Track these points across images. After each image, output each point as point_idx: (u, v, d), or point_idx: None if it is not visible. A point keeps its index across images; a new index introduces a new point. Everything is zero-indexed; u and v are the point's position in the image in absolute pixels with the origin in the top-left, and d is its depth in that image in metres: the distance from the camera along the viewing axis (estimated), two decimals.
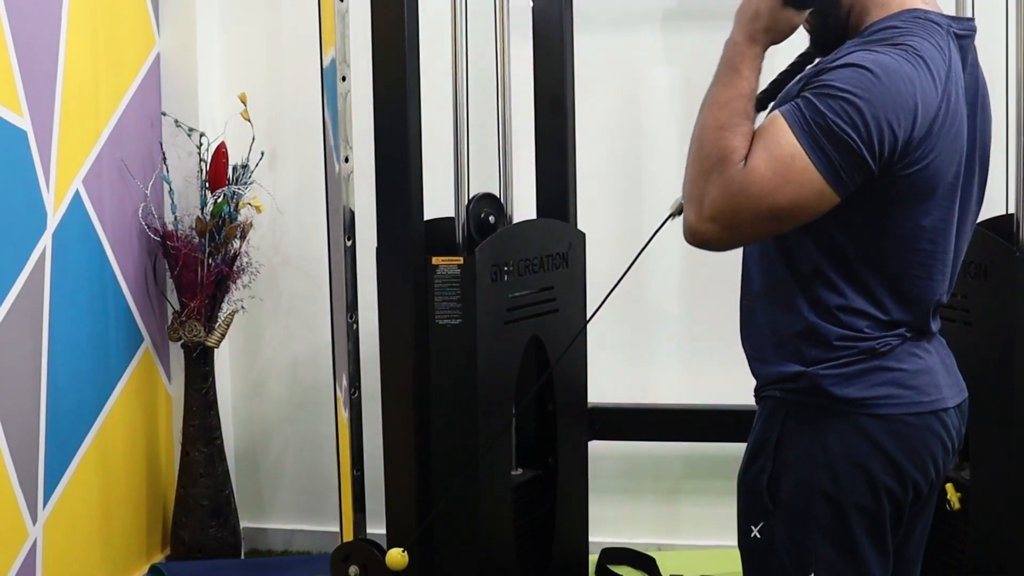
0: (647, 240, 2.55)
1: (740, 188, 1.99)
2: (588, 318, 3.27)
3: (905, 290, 2.11)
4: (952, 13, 3.39)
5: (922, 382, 2.12)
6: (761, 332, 2.21)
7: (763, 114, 2.12)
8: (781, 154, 1.97)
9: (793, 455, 2.12)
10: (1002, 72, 3.38)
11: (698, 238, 2.04)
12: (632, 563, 4.26)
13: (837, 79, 1.97)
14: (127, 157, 4.28)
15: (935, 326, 2.20)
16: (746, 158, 2.00)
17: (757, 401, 2.23)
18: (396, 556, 3.17)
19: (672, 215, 2.39)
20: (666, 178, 4.38)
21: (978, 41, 3.51)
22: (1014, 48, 3.32)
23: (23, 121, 3.65)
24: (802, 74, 2.10)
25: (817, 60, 2.25)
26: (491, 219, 3.57)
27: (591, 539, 4.01)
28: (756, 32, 2.10)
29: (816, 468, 2.09)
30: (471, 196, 3.49)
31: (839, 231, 2.05)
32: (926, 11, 2.11)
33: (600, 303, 2.82)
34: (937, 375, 2.16)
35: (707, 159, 2.04)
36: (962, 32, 2.14)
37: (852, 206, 2.01)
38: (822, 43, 2.23)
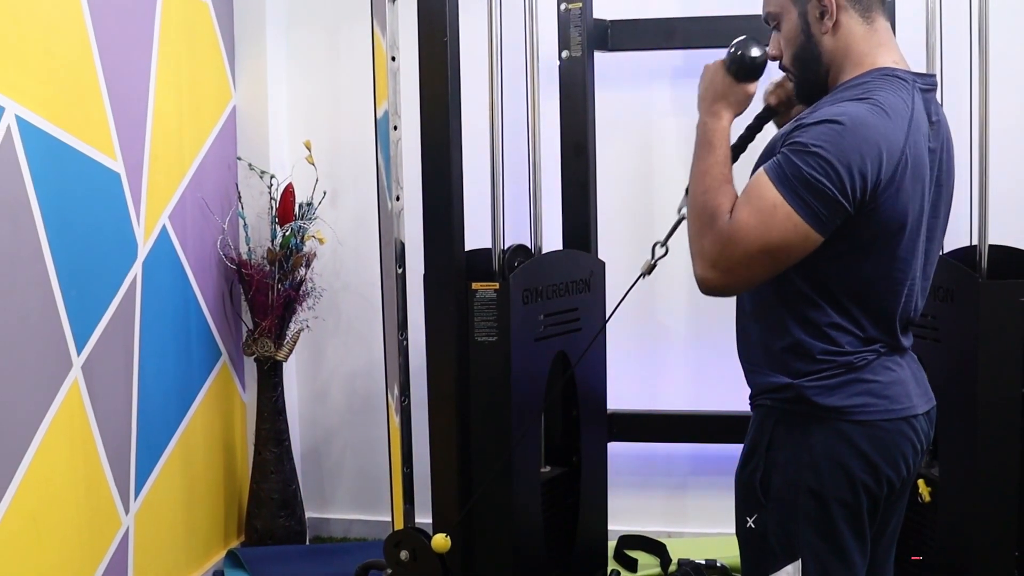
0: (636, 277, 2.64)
1: (729, 238, 2.04)
2: (601, 327, 3.27)
3: (879, 312, 2.13)
4: (924, 62, 3.45)
5: (895, 392, 2.14)
6: (754, 347, 2.23)
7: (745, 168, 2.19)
8: (764, 205, 2.02)
9: (782, 456, 2.14)
10: (966, 119, 3.39)
11: (706, 286, 2.10)
12: (645, 548, 4.25)
13: (810, 136, 2.01)
14: (207, 196, 4.31)
15: (907, 342, 2.22)
16: (732, 211, 2.06)
17: (752, 408, 2.25)
18: (440, 540, 3.19)
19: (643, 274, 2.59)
20: (675, 214, 4.38)
21: (945, 90, 3.53)
22: (976, 98, 3.33)
23: (117, 165, 3.67)
24: (783, 129, 2.14)
25: (791, 112, 2.37)
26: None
27: (610, 527, 4.01)
28: (719, 110, 2.21)
29: (802, 467, 2.11)
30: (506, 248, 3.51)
31: (823, 264, 2.08)
32: (893, 68, 2.14)
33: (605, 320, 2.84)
34: (908, 386, 2.17)
35: (700, 219, 2.11)
36: (925, 87, 2.16)
37: (834, 242, 2.04)
38: (805, 95, 2.27)
